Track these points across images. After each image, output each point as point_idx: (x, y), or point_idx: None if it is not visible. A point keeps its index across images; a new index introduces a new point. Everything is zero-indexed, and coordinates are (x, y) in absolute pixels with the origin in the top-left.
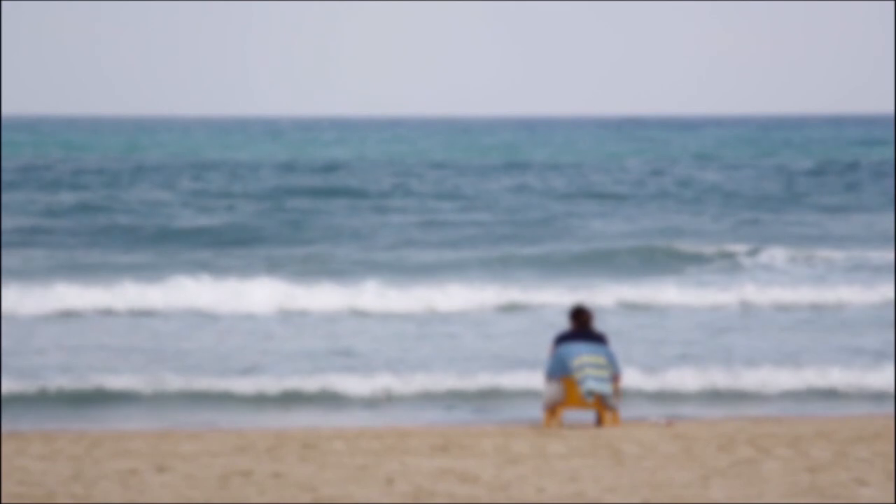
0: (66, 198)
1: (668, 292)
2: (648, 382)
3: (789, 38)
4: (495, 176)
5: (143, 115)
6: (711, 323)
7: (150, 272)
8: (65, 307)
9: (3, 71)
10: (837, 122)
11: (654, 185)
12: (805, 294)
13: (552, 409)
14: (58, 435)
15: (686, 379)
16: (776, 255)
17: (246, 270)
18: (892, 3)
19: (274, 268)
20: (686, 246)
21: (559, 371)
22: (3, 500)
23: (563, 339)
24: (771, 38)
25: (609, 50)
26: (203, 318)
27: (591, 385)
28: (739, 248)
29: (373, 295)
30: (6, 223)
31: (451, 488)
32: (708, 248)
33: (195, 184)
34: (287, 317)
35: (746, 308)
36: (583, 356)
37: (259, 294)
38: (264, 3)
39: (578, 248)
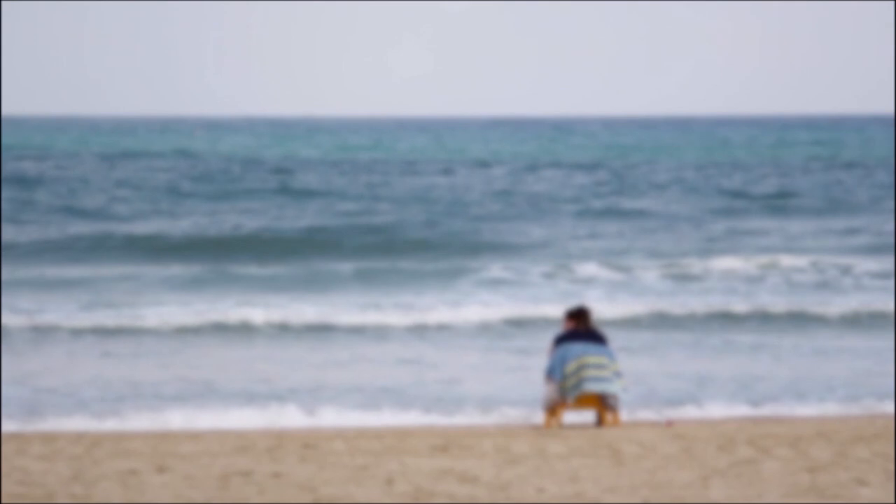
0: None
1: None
2: None
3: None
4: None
5: (143, 116)
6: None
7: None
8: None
9: (2, 71)
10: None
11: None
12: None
13: (552, 409)
14: (58, 435)
15: None
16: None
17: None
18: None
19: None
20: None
21: (557, 373)
22: (3, 500)
23: (562, 339)
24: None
25: (613, 50)
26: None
27: (591, 387)
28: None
29: None
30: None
31: (451, 488)
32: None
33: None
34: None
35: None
36: (582, 357)
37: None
38: (272, 4)
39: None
